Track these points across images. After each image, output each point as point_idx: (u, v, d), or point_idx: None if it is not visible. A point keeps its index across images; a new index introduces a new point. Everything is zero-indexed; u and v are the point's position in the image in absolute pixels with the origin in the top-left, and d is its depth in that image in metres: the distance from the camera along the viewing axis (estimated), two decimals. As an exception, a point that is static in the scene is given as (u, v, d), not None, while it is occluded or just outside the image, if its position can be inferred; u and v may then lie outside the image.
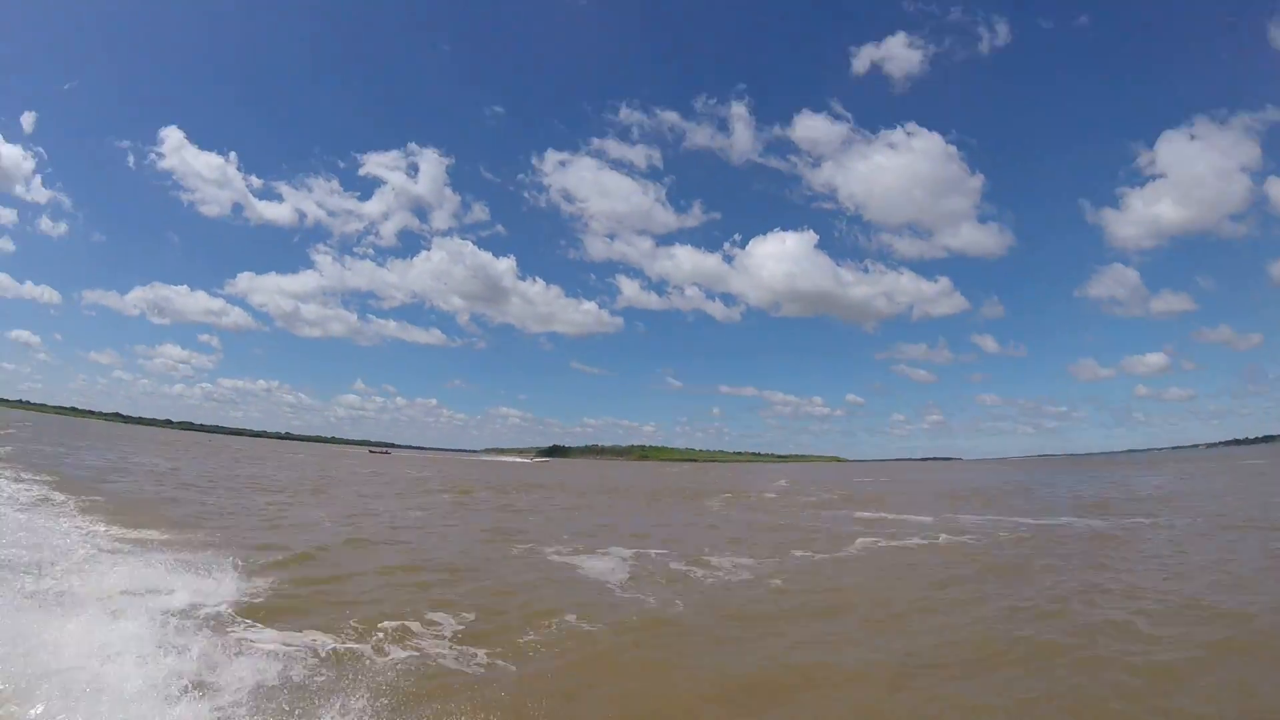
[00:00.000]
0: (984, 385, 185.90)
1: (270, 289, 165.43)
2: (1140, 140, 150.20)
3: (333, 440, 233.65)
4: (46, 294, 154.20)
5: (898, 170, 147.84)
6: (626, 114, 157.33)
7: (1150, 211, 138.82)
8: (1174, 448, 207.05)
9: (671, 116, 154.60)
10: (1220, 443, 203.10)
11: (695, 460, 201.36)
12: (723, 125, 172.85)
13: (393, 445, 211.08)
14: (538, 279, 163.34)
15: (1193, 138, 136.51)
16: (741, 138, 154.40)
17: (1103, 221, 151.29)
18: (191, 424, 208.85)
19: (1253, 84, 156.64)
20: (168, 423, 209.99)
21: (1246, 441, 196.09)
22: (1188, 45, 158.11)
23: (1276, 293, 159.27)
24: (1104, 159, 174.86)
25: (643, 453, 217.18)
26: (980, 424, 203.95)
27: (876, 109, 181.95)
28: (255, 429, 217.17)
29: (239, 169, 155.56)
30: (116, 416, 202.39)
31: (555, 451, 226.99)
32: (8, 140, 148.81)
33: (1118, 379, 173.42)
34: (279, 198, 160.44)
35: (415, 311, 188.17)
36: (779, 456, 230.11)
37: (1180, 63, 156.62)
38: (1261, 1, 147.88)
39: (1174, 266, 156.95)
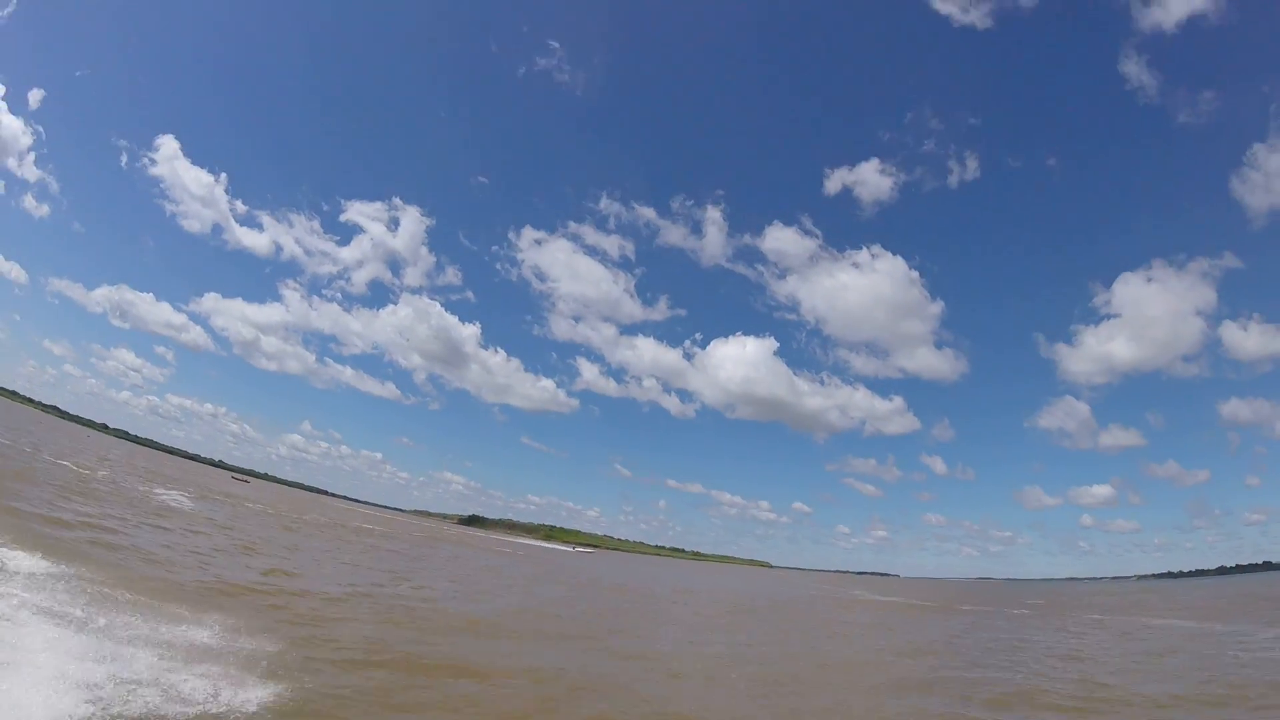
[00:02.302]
0: (931, 505, 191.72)
1: (234, 314, 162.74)
2: (1098, 280, 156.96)
3: (266, 476, 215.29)
4: (14, 272, 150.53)
5: (860, 289, 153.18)
6: (606, 204, 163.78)
7: (1104, 349, 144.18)
8: (1114, 577, 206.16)
9: (648, 212, 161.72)
10: (1153, 575, 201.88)
11: (598, 546, 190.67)
12: (696, 227, 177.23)
13: (323, 491, 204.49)
14: (500, 349, 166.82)
15: (1150, 280, 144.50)
16: (713, 241, 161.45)
17: (1056, 356, 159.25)
18: (127, 433, 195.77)
19: (1212, 232, 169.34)
20: (104, 427, 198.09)
21: (1182, 575, 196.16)
22: (1151, 191, 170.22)
23: (1225, 432, 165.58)
24: (1061, 295, 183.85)
25: (548, 532, 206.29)
26: (925, 542, 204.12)
27: (844, 229, 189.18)
28: (191, 451, 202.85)
29: (227, 191, 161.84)
30: (54, 410, 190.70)
31: (474, 520, 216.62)
32: (12, 111, 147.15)
33: (1064, 508, 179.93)
34: (260, 226, 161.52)
35: (374, 362, 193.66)
36: (698, 555, 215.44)
37: (1143, 208, 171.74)
38: (1225, 154, 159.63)
39: (1125, 402, 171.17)
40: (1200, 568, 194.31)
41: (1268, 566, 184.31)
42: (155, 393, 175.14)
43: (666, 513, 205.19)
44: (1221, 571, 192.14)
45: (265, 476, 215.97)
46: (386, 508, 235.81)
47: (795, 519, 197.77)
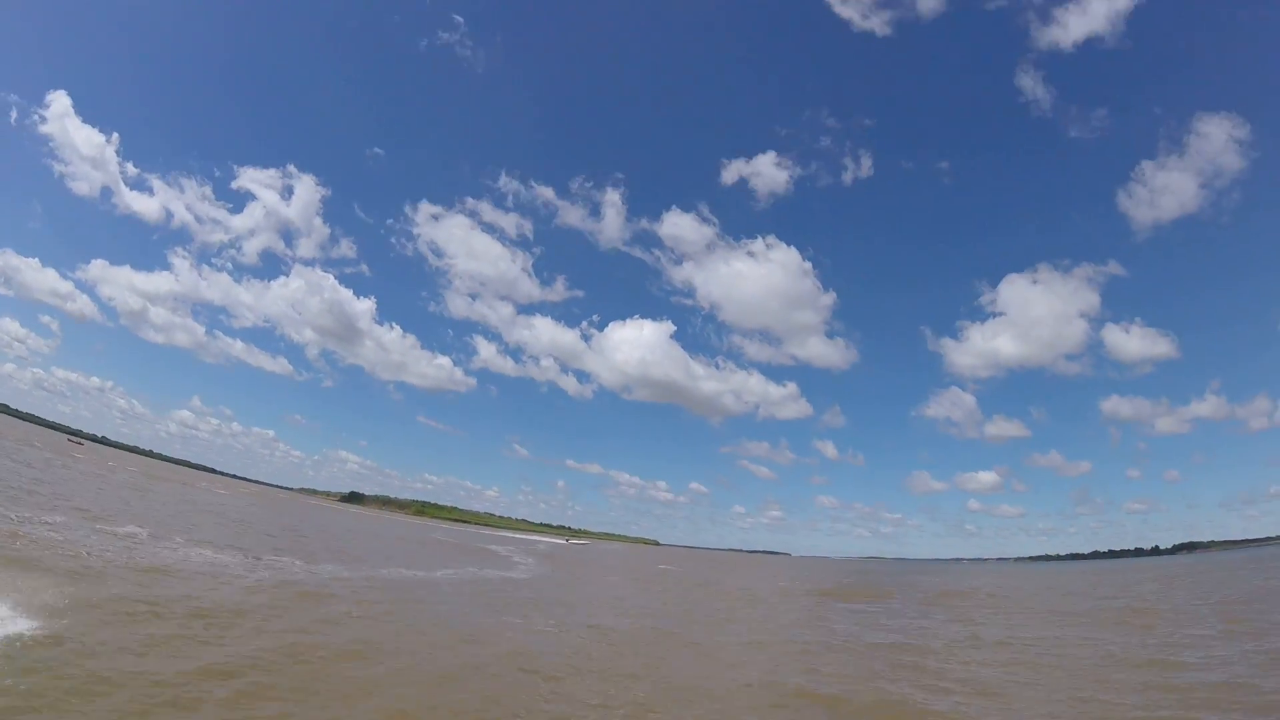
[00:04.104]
0: (824, 488, 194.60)
1: (122, 283, 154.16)
2: (985, 279, 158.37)
3: (150, 453, 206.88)
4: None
5: (755, 278, 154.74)
6: (505, 182, 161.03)
7: (989, 345, 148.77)
8: (998, 559, 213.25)
9: (547, 192, 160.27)
10: (1031, 557, 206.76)
11: (466, 521, 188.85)
12: (595, 209, 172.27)
13: (211, 469, 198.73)
14: (395, 325, 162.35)
15: (1035, 282, 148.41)
16: (612, 223, 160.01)
17: (942, 349, 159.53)
18: (6, 407, 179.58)
19: (1098, 241, 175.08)
20: None
21: (1059, 558, 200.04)
22: (1040, 199, 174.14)
23: (1105, 427, 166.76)
24: (949, 293, 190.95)
25: (419, 508, 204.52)
26: (818, 523, 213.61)
27: (740, 218, 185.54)
28: (79, 428, 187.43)
29: (118, 152, 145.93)
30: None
31: (353, 498, 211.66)
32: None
33: (951, 493, 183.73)
34: (150, 190, 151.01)
35: (265, 336, 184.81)
36: (579, 532, 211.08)
37: (1031, 214, 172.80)
38: (1114, 169, 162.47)
39: (1009, 396, 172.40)
40: (1076, 551, 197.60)
41: (1139, 553, 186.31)
42: (40, 365, 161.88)
43: (565, 493, 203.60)
44: (1095, 555, 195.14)
45: (151, 454, 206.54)
46: (273, 485, 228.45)
47: (693, 499, 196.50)
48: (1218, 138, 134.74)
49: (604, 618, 19.08)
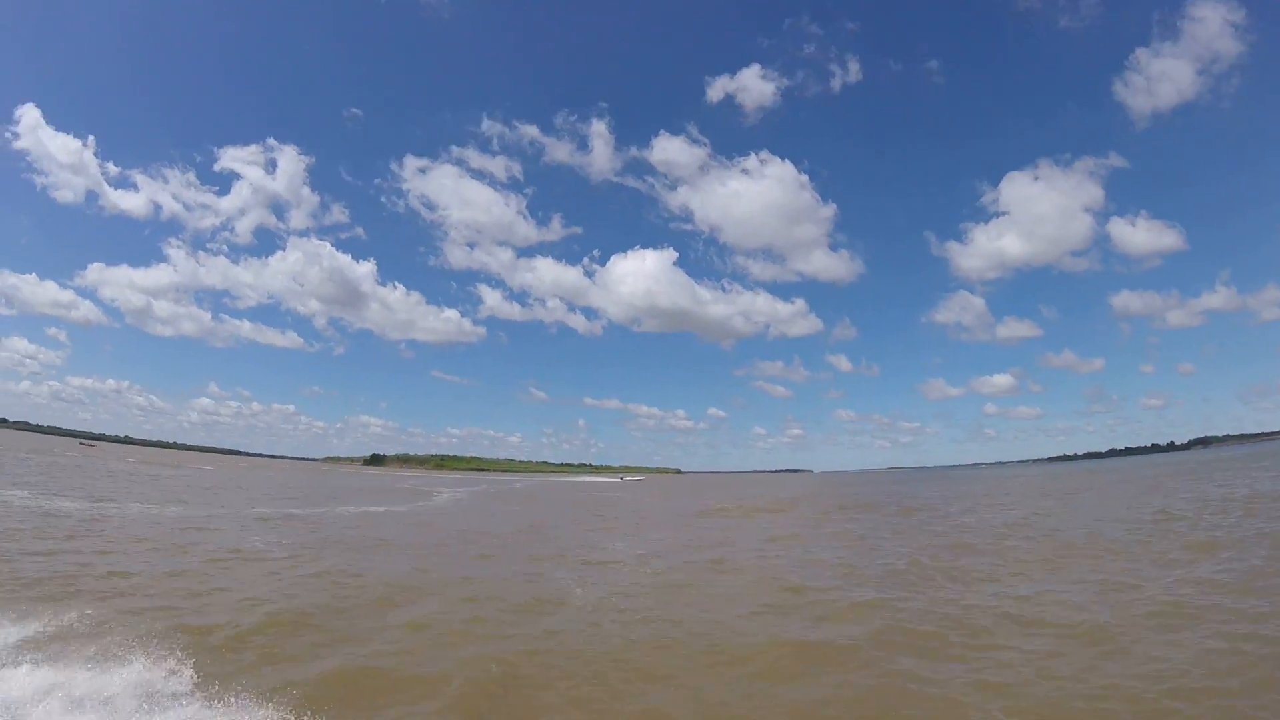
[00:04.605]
0: (840, 402, 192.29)
1: (121, 282, 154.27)
2: (985, 179, 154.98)
3: (174, 445, 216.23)
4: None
5: (752, 196, 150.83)
6: (488, 125, 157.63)
7: (994, 245, 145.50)
8: (1020, 461, 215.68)
9: (532, 130, 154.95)
10: (1053, 458, 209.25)
11: (484, 469, 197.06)
12: (583, 142, 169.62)
13: (235, 451, 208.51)
14: (398, 285, 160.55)
15: (1036, 179, 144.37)
16: (601, 155, 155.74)
17: (948, 253, 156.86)
18: (28, 424, 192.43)
19: (1097, 133, 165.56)
20: (3, 421, 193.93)
21: (1076, 458, 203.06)
22: (1034, 93, 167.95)
23: (1116, 322, 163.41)
24: (949, 195, 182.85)
25: (439, 461, 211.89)
26: (837, 438, 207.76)
27: (731, 137, 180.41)
28: (101, 431, 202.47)
29: (95, 154, 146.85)
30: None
31: (375, 460, 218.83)
32: None
33: (968, 398, 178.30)
34: (134, 186, 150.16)
35: (271, 313, 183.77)
36: (598, 468, 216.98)
37: (1026, 109, 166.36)
38: (1108, 58, 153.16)
39: (1018, 296, 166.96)
40: (1093, 450, 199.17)
41: (1154, 449, 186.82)
42: (55, 377, 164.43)
43: (587, 431, 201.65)
44: (1112, 454, 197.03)
45: (174, 446, 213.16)
46: (299, 459, 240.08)
47: (712, 425, 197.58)
48: (1213, 22, 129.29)
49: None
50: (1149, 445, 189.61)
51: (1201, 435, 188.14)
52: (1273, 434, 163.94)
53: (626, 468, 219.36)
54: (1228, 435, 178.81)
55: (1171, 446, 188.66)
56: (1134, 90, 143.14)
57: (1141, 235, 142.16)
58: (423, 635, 9.55)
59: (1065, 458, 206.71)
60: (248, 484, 51.17)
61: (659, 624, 10.38)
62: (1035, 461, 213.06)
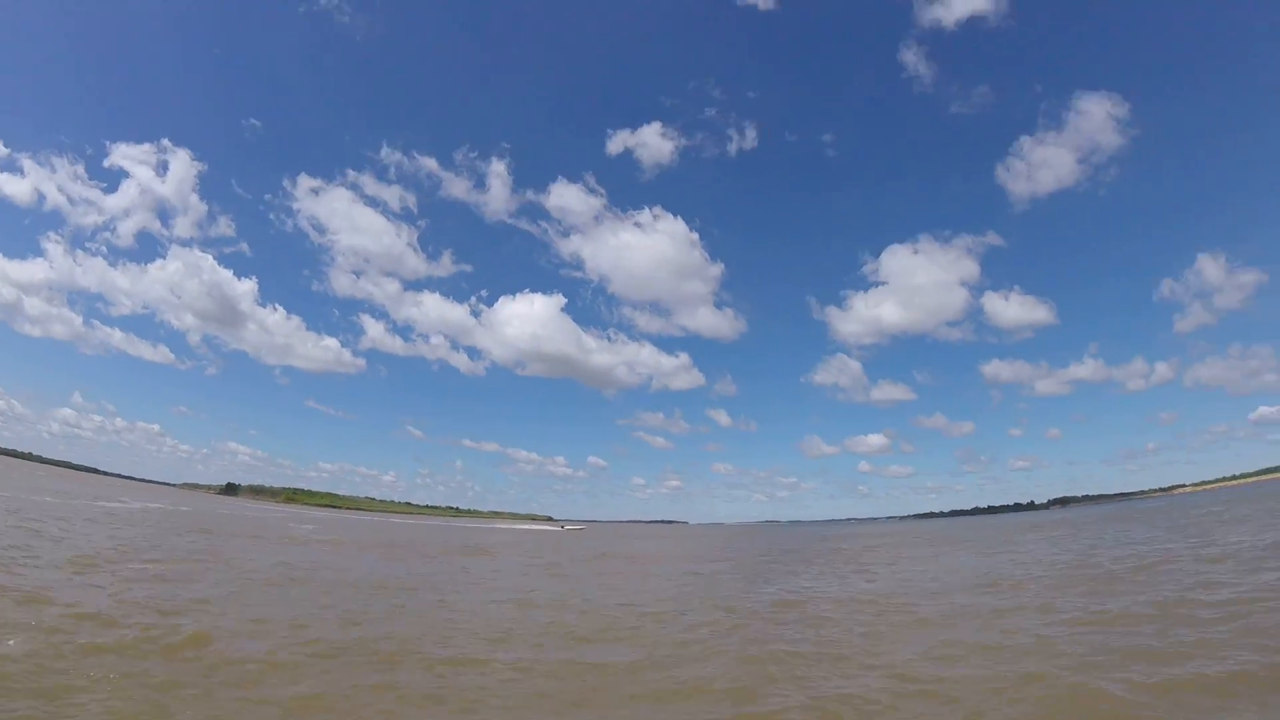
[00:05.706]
0: (719, 455, 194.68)
1: None
2: (867, 250, 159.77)
3: (29, 456, 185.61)
4: None
5: (643, 250, 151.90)
6: (387, 153, 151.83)
7: (873, 313, 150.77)
8: (889, 517, 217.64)
9: (430, 163, 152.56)
10: (921, 514, 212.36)
11: (337, 507, 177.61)
12: (480, 180, 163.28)
13: (95, 470, 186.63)
14: (279, 307, 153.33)
15: (916, 252, 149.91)
16: (497, 195, 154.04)
17: (828, 318, 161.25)
18: None
19: (977, 212, 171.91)
20: None
21: (941, 515, 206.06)
22: (920, 172, 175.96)
23: (987, 389, 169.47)
24: (833, 263, 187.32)
25: (290, 495, 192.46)
26: (715, 490, 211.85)
27: (627, 190, 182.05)
28: None
29: None
30: None
31: (230, 489, 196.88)
32: None
33: (843, 456, 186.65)
34: (20, 171, 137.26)
35: (144, 324, 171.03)
36: (469, 512, 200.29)
37: (911, 186, 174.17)
38: (993, 143, 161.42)
39: (894, 361, 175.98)
40: (958, 508, 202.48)
41: (1018, 508, 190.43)
42: None
43: (464, 473, 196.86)
44: (976, 511, 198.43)
45: (30, 457, 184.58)
46: (157, 483, 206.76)
47: (592, 473, 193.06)
48: (1097, 115, 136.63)
49: None
50: (1012, 504, 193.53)
51: (1062, 495, 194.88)
52: (1131, 494, 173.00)
53: (495, 513, 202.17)
54: (1085, 495, 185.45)
55: (1032, 505, 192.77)
56: (1015, 175, 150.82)
57: (1014, 309, 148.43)
58: None
59: (933, 515, 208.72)
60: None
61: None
62: (904, 518, 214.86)
